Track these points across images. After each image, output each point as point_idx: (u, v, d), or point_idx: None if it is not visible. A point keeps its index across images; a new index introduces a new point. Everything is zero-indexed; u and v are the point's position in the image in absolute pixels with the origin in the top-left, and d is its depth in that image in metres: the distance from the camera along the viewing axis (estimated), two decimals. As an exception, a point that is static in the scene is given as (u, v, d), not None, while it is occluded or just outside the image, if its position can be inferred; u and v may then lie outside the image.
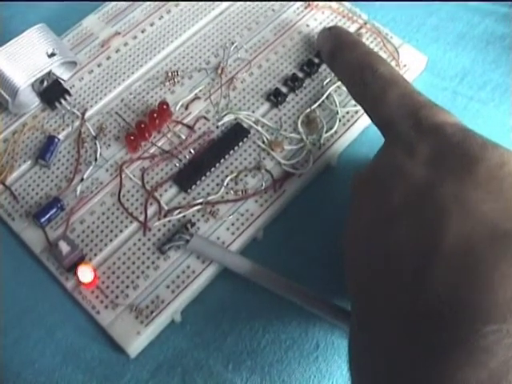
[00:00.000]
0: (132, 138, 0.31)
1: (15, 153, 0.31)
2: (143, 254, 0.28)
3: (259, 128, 0.32)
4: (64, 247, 0.28)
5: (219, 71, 0.33)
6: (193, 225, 0.29)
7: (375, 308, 0.21)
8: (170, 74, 0.33)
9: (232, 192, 0.30)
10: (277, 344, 0.27)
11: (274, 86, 0.33)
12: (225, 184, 0.30)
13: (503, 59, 0.35)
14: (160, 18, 0.36)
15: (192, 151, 0.31)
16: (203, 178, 0.30)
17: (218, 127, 0.32)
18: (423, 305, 0.19)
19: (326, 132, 0.31)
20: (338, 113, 0.32)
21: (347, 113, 0.32)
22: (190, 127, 0.32)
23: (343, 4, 0.36)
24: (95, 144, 0.31)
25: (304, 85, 0.33)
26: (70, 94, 0.33)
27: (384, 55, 0.33)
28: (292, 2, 0.36)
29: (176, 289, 0.28)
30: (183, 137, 0.31)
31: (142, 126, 0.31)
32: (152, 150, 0.31)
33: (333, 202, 0.30)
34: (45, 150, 0.31)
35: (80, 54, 0.35)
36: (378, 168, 0.25)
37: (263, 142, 0.31)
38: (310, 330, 0.28)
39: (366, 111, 0.28)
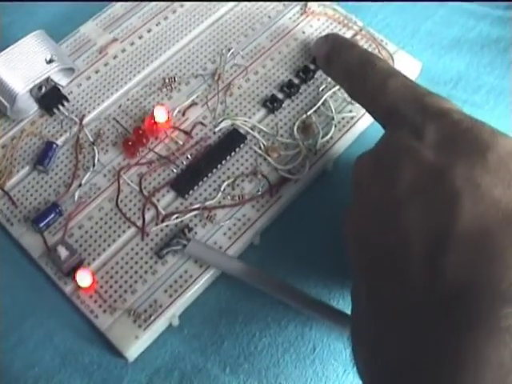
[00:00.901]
0: (130, 143, 0.31)
1: (14, 158, 0.32)
2: (141, 258, 0.29)
3: (256, 134, 0.32)
4: (62, 252, 0.28)
5: (216, 77, 0.34)
6: (190, 230, 0.29)
7: (389, 293, 0.21)
8: (167, 80, 0.34)
9: (229, 197, 0.30)
10: (274, 347, 0.28)
11: (270, 92, 0.33)
12: (222, 189, 0.30)
13: (498, 62, 0.36)
14: (157, 25, 0.36)
15: (189, 157, 0.31)
16: (200, 183, 0.30)
17: (214, 133, 0.32)
18: (440, 285, 0.19)
19: (322, 138, 0.32)
20: (333, 119, 0.32)
21: (343, 118, 0.32)
22: (187, 133, 0.32)
23: (339, 10, 0.36)
24: (93, 150, 0.32)
25: (300, 91, 0.33)
26: (67, 100, 0.33)
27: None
28: (288, 10, 0.36)
29: (174, 293, 0.28)
30: (180, 142, 0.32)
31: (140, 131, 0.31)
32: (149, 156, 0.31)
33: (329, 206, 0.30)
34: (43, 155, 0.31)
35: (78, 61, 0.35)
36: (384, 151, 0.25)
37: (260, 148, 0.31)
38: (306, 334, 0.28)
39: (365, 107, 0.28)
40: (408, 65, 0.34)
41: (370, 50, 0.34)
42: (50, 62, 0.32)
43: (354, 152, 0.32)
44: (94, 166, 0.31)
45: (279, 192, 0.30)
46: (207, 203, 0.30)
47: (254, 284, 0.27)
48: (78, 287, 0.28)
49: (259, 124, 0.32)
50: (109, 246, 0.29)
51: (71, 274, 0.28)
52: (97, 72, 0.35)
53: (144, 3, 0.37)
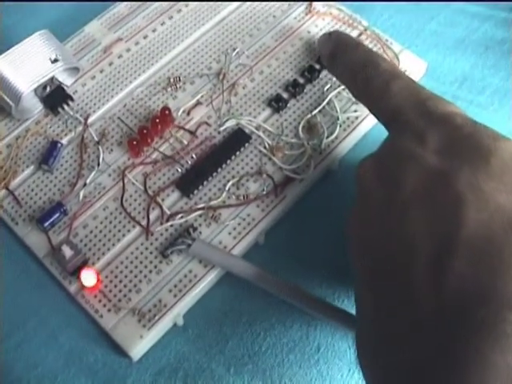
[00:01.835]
0: (134, 143, 0.31)
1: (18, 158, 0.32)
2: (146, 258, 0.29)
3: (261, 133, 0.32)
4: (67, 251, 0.28)
5: (221, 77, 0.34)
6: (195, 229, 0.29)
7: (393, 297, 0.21)
8: (171, 80, 0.34)
9: (234, 197, 0.30)
10: (278, 347, 0.27)
11: (275, 92, 0.33)
12: (226, 189, 0.30)
13: (502, 63, 0.36)
14: (162, 24, 0.36)
15: (194, 156, 0.31)
16: (205, 182, 0.30)
17: (219, 132, 0.32)
18: (445, 293, 0.19)
19: (327, 137, 0.32)
20: (338, 118, 0.32)
21: (348, 118, 0.32)
22: (192, 132, 0.32)
23: (344, 10, 0.36)
24: (98, 149, 0.32)
25: (305, 90, 0.33)
26: (72, 100, 0.33)
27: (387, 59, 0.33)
28: (293, 9, 0.36)
29: (178, 293, 0.28)
30: (185, 142, 0.32)
31: (145, 131, 0.31)
32: (154, 156, 0.31)
33: (333, 206, 0.30)
34: (48, 155, 0.31)
35: (83, 60, 0.35)
36: (387, 155, 0.24)
37: (264, 148, 0.31)
38: (311, 333, 0.28)
39: (369, 107, 0.28)
40: (413, 65, 0.34)
41: (375, 49, 0.34)
42: (54, 61, 0.32)
43: (359, 152, 0.32)
44: (98, 165, 0.31)
45: (284, 192, 0.30)
46: (212, 203, 0.30)
47: (259, 284, 0.27)
48: (83, 287, 0.28)
49: (264, 124, 0.32)
50: (113, 245, 0.29)
51: (76, 273, 0.28)
52: (101, 71, 0.35)
53: (149, 3, 0.37)
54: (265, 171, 0.31)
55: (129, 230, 0.29)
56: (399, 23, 0.37)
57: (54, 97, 0.33)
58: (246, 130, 0.32)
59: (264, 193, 0.30)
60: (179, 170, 0.31)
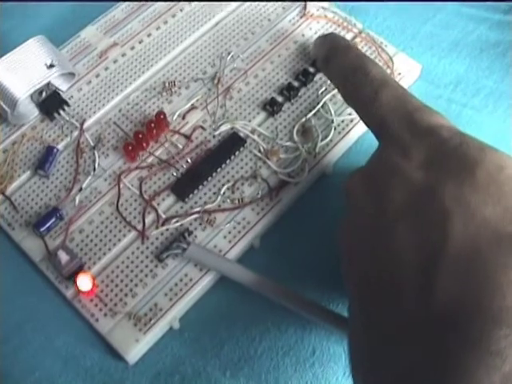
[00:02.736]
0: (130, 147, 0.31)
1: (15, 163, 0.32)
2: (141, 262, 0.29)
3: (255, 137, 0.32)
4: (63, 256, 0.28)
5: (216, 81, 0.34)
6: (190, 233, 0.29)
7: (380, 310, 0.21)
8: (167, 85, 0.34)
9: (229, 201, 0.30)
10: (273, 351, 0.28)
11: (269, 96, 0.33)
12: (222, 193, 0.30)
13: (497, 66, 0.36)
14: (157, 29, 0.36)
15: (189, 160, 0.31)
16: (200, 187, 0.30)
17: (214, 136, 0.32)
18: (431, 307, 0.19)
19: (322, 141, 0.32)
20: (333, 121, 0.32)
21: (342, 121, 0.33)
22: (187, 137, 0.32)
23: (338, 13, 0.36)
24: (94, 154, 0.32)
25: (299, 94, 0.33)
26: (68, 105, 0.33)
27: (379, 64, 0.33)
28: (287, 12, 0.36)
29: (174, 296, 0.28)
30: (180, 146, 0.32)
31: (140, 135, 0.31)
32: (150, 160, 0.32)
33: (328, 210, 0.30)
34: (44, 160, 0.31)
35: (78, 65, 0.35)
36: (375, 169, 0.25)
37: (259, 151, 0.32)
38: (306, 337, 0.28)
39: (359, 114, 0.28)
40: (408, 67, 0.34)
41: (369, 52, 0.35)
42: (50, 66, 0.32)
43: (354, 155, 0.32)
44: (94, 170, 0.31)
45: (279, 195, 0.30)
46: (207, 207, 0.30)
47: (254, 288, 0.27)
48: (79, 291, 0.28)
49: (259, 127, 0.32)
50: (109, 249, 0.29)
51: (72, 278, 0.28)
52: (97, 76, 0.35)
53: (144, 7, 0.37)
54: (260, 175, 0.31)
55: (124, 235, 0.30)
56: (394, 25, 0.37)
57: (50, 102, 0.33)
58: (241, 134, 0.32)
59: (259, 196, 0.30)
60: (174, 174, 0.31)
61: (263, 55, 0.35)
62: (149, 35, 0.36)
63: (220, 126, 0.32)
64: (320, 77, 0.34)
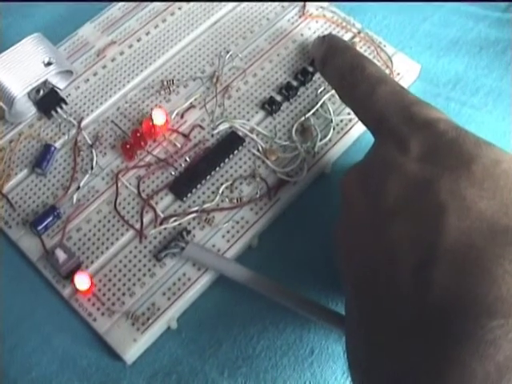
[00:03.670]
0: (128, 146, 0.31)
1: (12, 161, 0.32)
2: (139, 261, 0.29)
3: (254, 136, 0.32)
4: (61, 255, 0.28)
5: (214, 80, 0.34)
6: (188, 232, 0.29)
7: (377, 306, 0.21)
8: (165, 83, 0.34)
9: (227, 200, 0.30)
10: (272, 350, 0.27)
11: (268, 95, 0.33)
12: (220, 192, 0.30)
13: (496, 64, 0.36)
14: (155, 27, 0.36)
15: (187, 159, 0.31)
16: (199, 186, 0.30)
17: (213, 135, 0.32)
18: (428, 302, 0.19)
19: (320, 140, 0.32)
20: (332, 121, 0.32)
21: (341, 121, 0.32)
22: (186, 136, 0.32)
23: (337, 13, 0.36)
24: (91, 152, 0.32)
25: (298, 93, 0.33)
26: (66, 103, 0.33)
27: (378, 64, 0.33)
28: (286, 12, 0.36)
29: (172, 296, 0.28)
30: (179, 145, 0.32)
31: (138, 134, 0.31)
32: (148, 159, 0.31)
33: (327, 209, 0.30)
34: (41, 158, 0.31)
35: (76, 63, 0.35)
36: (371, 164, 0.25)
37: (258, 150, 0.31)
38: (304, 336, 0.28)
39: (356, 113, 0.28)
40: (407, 67, 0.34)
41: (368, 52, 0.34)
42: (47, 64, 0.32)
43: (353, 154, 0.32)
44: (92, 168, 0.31)
45: (277, 194, 0.30)
46: (205, 206, 0.30)
47: (252, 287, 0.27)
48: (76, 290, 0.28)
49: (257, 126, 0.32)
50: (107, 248, 0.29)
51: (69, 277, 0.28)
52: (95, 75, 0.35)
53: (142, 5, 0.37)
54: (258, 174, 0.31)
55: (122, 234, 0.29)
56: (393, 25, 0.37)
57: (48, 100, 0.33)
58: (240, 133, 0.32)
59: (257, 196, 0.30)
60: (173, 173, 0.31)
61: (262, 54, 0.35)
62: (147, 33, 0.36)
63: (218, 124, 0.32)
64: (319, 76, 0.34)
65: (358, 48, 0.34)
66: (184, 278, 0.28)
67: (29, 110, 0.33)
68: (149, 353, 0.28)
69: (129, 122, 0.33)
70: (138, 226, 0.30)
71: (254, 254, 0.30)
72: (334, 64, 0.30)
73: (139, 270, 0.28)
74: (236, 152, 0.31)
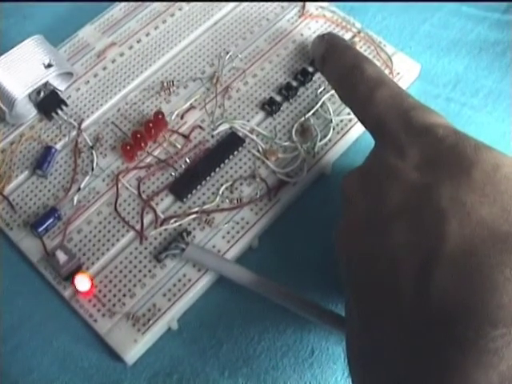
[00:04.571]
0: (128, 147, 0.31)
1: (13, 163, 0.32)
2: (140, 262, 0.29)
3: (254, 137, 0.32)
4: (61, 256, 0.28)
5: (214, 81, 0.34)
6: (189, 233, 0.29)
7: (378, 310, 0.21)
8: (165, 84, 0.34)
9: (227, 201, 0.30)
10: (272, 351, 0.28)
11: (268, 95, 0.33)
12: (220, 193, 0.30)
13: (496, 66, 0.36)
14: (155, 28, 0.36)
15: (188, 160, 0.31)
16: (199, 186, 0.30)
17: (213, 136, 0.32)
18: (428, 307, 0.19)
19: (320, 140, 0.32)
20: (332, 121, 0.32)
21: (341, 121, 0.32)
22: (186, 136, 0.32)
23: (337, 12, 0.36)
24: (92, 154, 0.32)
25: (298, 94, 0.33)
26: (66, 105, 0.33)
27: (378, 64, 0.33)
28: (286, 12, 0.36)
29: (172, 297, 0.28)
30: (179, 146, 0.32)
31: (138, 135, 0.31)
32: (148, 160, 0.31)
33: (327, 209, 0.30)
34: (42, 160, 0.31)
35: (76, 65, 0.35)
36: (371, 169, 0.25)
37: (258, 151, 0.31)
38: (305, 337, 0.28)
39: (355, 114, 0.28)
40: (407, 67, 0.34)
41: (368, 52, 0.34)
42: (48, 66, 0.32)
43: (353, 155, 0.32)
44: (92, 170, 0.31)
45: (277, 195, 0.30)
46: (206, 207, 0.30)
47: (253, 288, 0.27)
48: (77, 291, 0.28)
49: (257, 127, 0.32)
50: (107, 250, 0.29)
51: (70, 278, 0.28)
52: (95, 76, 0.35)
53: (142, 7, 0.37)
54: (258, 175, 0.31)
55: (123, 235, 0.29)
56: (393, 25, 0.37)
57: (48, 102, 0.33)
58: (240, 134, 0.32)
59: (257, 196, 0.30)
60: (173, 174, 0.31)
61: (262, 55, 0.35)
62: (147, 35, 0.36)
63: (218, 125, 0.32)
64: (319, 76, 0.34)
65: (357, 48, 0.34)
66: (184, 278, 0.28)
67: (29, 112, 0.33)
68: (149, 354, 0.28)
69: (129, 123, 0.33)
70: (138, 227, 0.30)
71: (254, 255, 0.30)
72: (334, 63, 0.30)
73: (140, 271, 0.28)
74: (236, 153, 0.31)
